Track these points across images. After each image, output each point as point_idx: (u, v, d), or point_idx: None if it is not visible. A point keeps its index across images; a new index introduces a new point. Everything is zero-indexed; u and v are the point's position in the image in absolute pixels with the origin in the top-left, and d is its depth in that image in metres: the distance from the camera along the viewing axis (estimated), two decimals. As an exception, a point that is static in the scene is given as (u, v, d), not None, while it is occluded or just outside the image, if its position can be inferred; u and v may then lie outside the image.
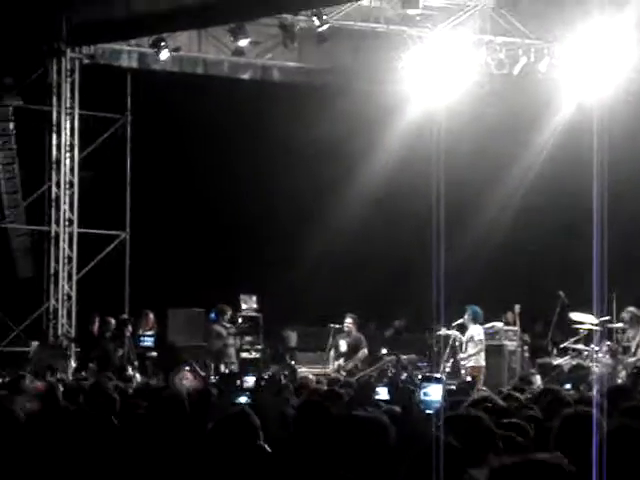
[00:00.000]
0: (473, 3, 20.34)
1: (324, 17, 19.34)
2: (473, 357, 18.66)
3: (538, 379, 17.64)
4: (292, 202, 22.24)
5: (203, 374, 17.61)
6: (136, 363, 20.56)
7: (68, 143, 21.54)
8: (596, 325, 18.51)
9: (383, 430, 5.25)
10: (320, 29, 19.57)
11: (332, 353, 19.98)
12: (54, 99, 21.39)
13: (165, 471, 6.40)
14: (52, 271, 21.42)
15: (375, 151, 22.12)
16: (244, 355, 21.11)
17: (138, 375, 19.21)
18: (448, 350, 18.80)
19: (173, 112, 21.40)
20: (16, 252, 22.13)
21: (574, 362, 18.61)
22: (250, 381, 13.61)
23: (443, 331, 18.75)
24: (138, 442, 6.89)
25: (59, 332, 21.13)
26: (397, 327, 20.80)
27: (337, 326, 20.37)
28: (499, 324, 19.79)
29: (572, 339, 19.01)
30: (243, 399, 9.53)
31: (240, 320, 21.20)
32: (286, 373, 18.81)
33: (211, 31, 21.27)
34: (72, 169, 21.58)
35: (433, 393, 9.74)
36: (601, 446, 4.49)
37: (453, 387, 14.51)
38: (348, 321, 19.84)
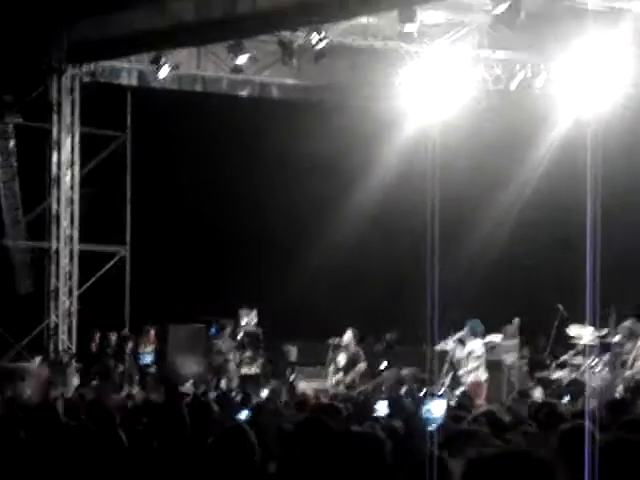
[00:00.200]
0: (470, 19, 20.43)
1: (322, 34, 19.44)
2: (473, 372, 18.70)
3: (538, 392, 17.70)
4: (290, 217, 22.36)
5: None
6: (137, 379, 20.66)
7: (68, 160, 21.65)
8: (594, 339, 18.57)
9: (379, 446, 5.26)
10: (318, 46, 19.67)
11: (331, 368, 20.05)
12: (54, 117, 21.51)
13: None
14: (52, 287, 21.51)
15: (372, 167, 22.25)
16: (244, 370, 21.17)
17: (138, 391, 19.31)
18: (447, 364, 18.85)
19: (172, 129, 21.56)
20: (17, 268, 22.23)
21: (572, 376, 18.66)
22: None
23: (442, 345, 18.80)
24: (138, 457, 6.94)
25: (60, 348, 21.19)
26: (388, 340, 20.81)
27: (336, 340, 20.45)
28: (498, 338, 19.82)
29: (570, 352, 19.07)
30: (243, 415, 9.56)
31: (240, 335, 21.28)
32: (286, 388, 18.91)
33: (210, 48, 21.39)
34: (72, 186, 21.69)
35: (435, 409, 9.77)
36: (593, 459, 4.53)
37: (452, 402, 14.56)
38: (347, 336, 19.92)
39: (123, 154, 22.23)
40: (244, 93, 22.44)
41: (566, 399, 15.82)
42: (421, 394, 14.36)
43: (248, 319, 21.55)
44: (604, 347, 18.77)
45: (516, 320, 19.97)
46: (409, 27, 18.49)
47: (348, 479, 5.02)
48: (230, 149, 22.05)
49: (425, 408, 9.95)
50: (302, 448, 6.49)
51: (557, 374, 19.07)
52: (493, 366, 19.14)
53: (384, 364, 20.57)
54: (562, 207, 20.55)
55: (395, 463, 5.25)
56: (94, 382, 20.20)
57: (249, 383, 20.43)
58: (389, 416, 10.14)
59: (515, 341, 19.93)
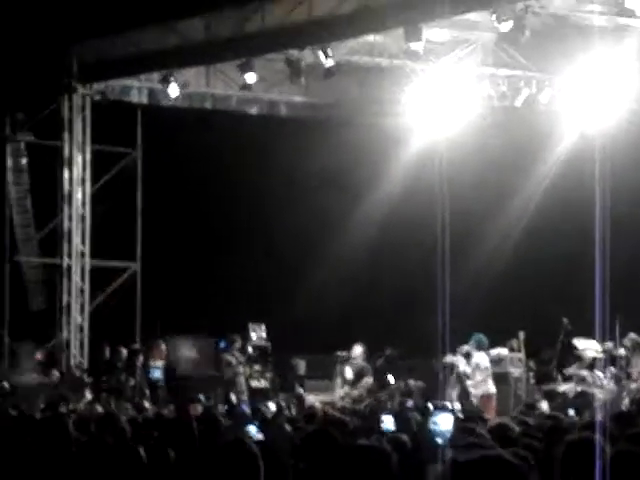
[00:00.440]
0: (475, 37, 20.61)
1: (329, 52, 19.63)
2: (480, 384, 18.85)
3: (545, 405, 17.80)
4: (298, 232, 22.55)
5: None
6: (147, 392, 20.80)
7: (80, 177, 21.86)
8: (600, 352, 18.69)
9: (385, 459, 5.26)
10: (326, 64, 19.86)
11: (338, 380, 20.22)
12: (66, 134, 21.72)
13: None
14: (64, 303, 21.68)
15: (379, 182, 22.44)
16: (253, 383, 21.33)
17: (149, 405, 19.44)
18: (454, 377, 19.01)
19: (182, 146, 21.79)
20: (29, 285, 22.44)
21: (578, 388, 18.76)
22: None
23: (448, 358, 18.96)
24: (148, 472, 7.02)
25: (72, 363, 21.37)
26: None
27: (344, 354, 20.63)
28: (504, 351, 19.95)
29: (576, 365, 19.16)
30: (253, 428, 9.58)
31: (250, 349, 21.45)
32: (294, 401, 19.05)
33: (219, 66, 21.60)
34: (84, 203, 21.90)
35: (442, 422, 9.69)
36: (604, 471, 4.66)
37: (460, 415, 14.66)
38: (357, 350, 20.09)
39: (133, 171, 22.48)
40: (253, 111, 22.65)
41: (572, 412, 15.93)
42: (428, 407, 14.44)
43: (257, 333, 21.73)
44: (610, 360, 18.89)
45: (522, 333, 20.09)
46: (415, 45, 18.68)
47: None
48: (239, 166, 22.27)
49: (432, 421, 9.94)
50: (309, 460, 6.63)
51: (563, 387, 19.17)
52: (500, 379, 19.28)
53: (391, 377, 20.70)
54: (567, 221, 20.72)
55: (402, 476, 5.31)
56: (104, 395, 20.34)
57: (258, 396, 20.59)
58: (395, 430, 10.16)
59: (521, 354, 20.05)
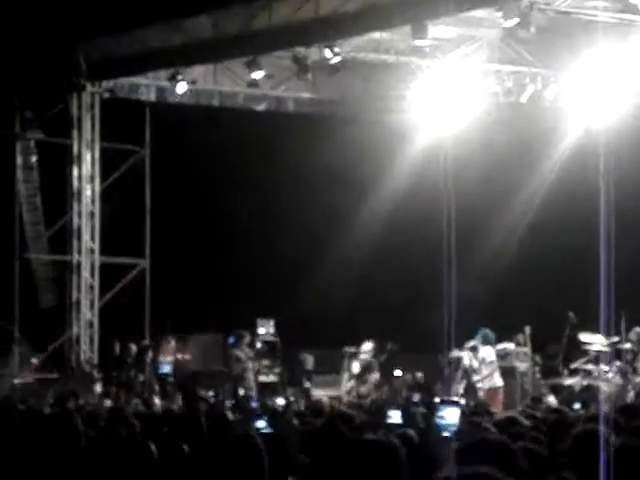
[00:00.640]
0: (481, 34, 20.69)
1: (336, 49, 19.74)
2: (487, 378, 18.97)
3: (552, 399, 17.91)
4: (305, 228, 22.68)
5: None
6: (157, 388, 20.96)
7: (89, 174, 22.02)
8: (605, 346, 18.77)
9: (394, 453, 5.23)
10: (332, 61, 19.97)
11: (345, 375, 20.37)
12: (75, 132, 21.88)
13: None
14: (74, 299, 21.83)
15: (385, 178, 22.56)
16: (262, 378, 21.48)
17: (158, 400, 19.59)
18: (460, 372, 19.14)
19: (190, 143, 21.90)
20: (39, 282, 22.58)
21: (584, 382, 18.87)
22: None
23: (455, 353, 19.09)
24: (157, 467, 7.07)
25: (82, 359, 21.53)
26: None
27: (352, 349, 20.77)
28: (510, 346, 20.05)
29: (582, 359, 19.26)
30: (261, 423, 9.63)
31: (259, 344, 21.60)
32: (302, 396, 19.20)
33: (226, 63, 21.71)
34: (93, 200, 22.05)
35: (449, 416, 9.73)
36: (609, 462, 4.77)
37: (466, 409, 14.75)
38: (367, 346, 20.24)
39: (142, 168, 22.61)
40: (261, 107, 22.79)
41: (578, 405, 16.04)
42: (435, 401, 14.54)
43: (265, 329, 21.89)
44: (615, 354, 18.98)
45: (528, 328, 20.19)
46: (421, 42, 18.79)
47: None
48: (246, 162, 22.39)
49: (439, 415, 10.00)
50: (318, 454, 6.73)
51: (569, 381, 19.26)
52: (506, 373, 19.39)
53: (398, 371, 20.83)
54: (572, 215, 20.79)
55: (410, 470, 5.30)
56: (113, 390, 20.49)
57: (267, 391, 20.76)
58: (402, 425, 10.21)
59: (527, 348, 20.15)
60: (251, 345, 21.53)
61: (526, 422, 9.40)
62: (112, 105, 21.82)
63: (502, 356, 19.57)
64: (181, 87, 21.27)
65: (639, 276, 20.72)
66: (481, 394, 18.69)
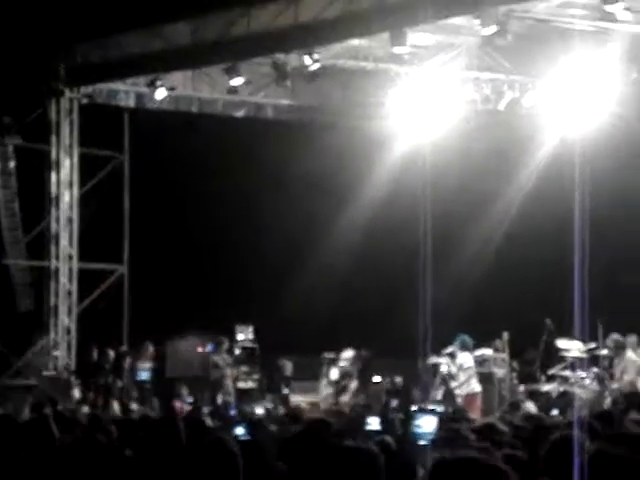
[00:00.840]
0: (459, 41, 20.77)
1: (315, 56, 19.80)
2: (465, 384, 19.04)
3: (530, 405, 17.98)
4: (284, 235, 22.72)
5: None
6: (135, 394, 20.95)
7: (67, 180, 22.00)
8: (582, 352, 18.87)
9: (373, 460, 5.27)
10: (311, 68, 20.03)
11: (324, 381, 20.40)
12: (53, 138, 21.87)
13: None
14: (52, 305, 21.80)
15: (363, 185, 22.61)
16: (241, 385, 21.49)
17: (136, 406, 19.58)
18: (438, 378, 19.20)
19: (169, 149, 21.91)
20: (17, 287, 22.53)
21: (561, 388, 18.96)
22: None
23: (433, 359, 19.15)
24: (134, 472, 7.06)
25: (59, 365, 21.49)
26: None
27: (331, 355, 20.82)
28: (488, 352, 20.13)
29: (559, 366, 19.35)
30: (240, 431, 9.63)
31: (237, 351, 21.61)
32: (281, 402, 19.22)
33: (205, 70, 21.74)
34: (71, 205, 22.03)
35: (425, 425, 9.63)
36: (582, 467, 4.79)
37: (444, 416, 14.79)
38: (348, 353, 20.28)
39: (121, 174, 22.60)
40: (240, 114, 22.82)
41: (555, 411, 16.12)
42: (412, 409, 14.56)
43: (244, 335, 21.91)
44: (592, 360, 19.07)
45: (506, 334, 20.28)
46: (400, 49, 18.86)
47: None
48: (225, 169, 22.41)
49: (415, 423, 10.01)
50: (295, 461, 6.74)
51: (547, 387, 19.35)
52: (484, 379, 19.47)
53: (377, 377, 20.88)
54: (548, 224, 20.88)
55: (387, 477, 5.33)
56: (91, 396, 20.46)
57: (245, 397, 20.77)
58: (381, 431, 10.23)
59: (505, 354, 20.24)
60: (230, 351, 21.55)
61: (505, 428, 9.44)
62: (91, 111, 21.81)
63: (480, 362, 19.65)
64: (160, 93, 21.28)
65: (615, 284, 20.87)
66: (459, 400, 18.75)
